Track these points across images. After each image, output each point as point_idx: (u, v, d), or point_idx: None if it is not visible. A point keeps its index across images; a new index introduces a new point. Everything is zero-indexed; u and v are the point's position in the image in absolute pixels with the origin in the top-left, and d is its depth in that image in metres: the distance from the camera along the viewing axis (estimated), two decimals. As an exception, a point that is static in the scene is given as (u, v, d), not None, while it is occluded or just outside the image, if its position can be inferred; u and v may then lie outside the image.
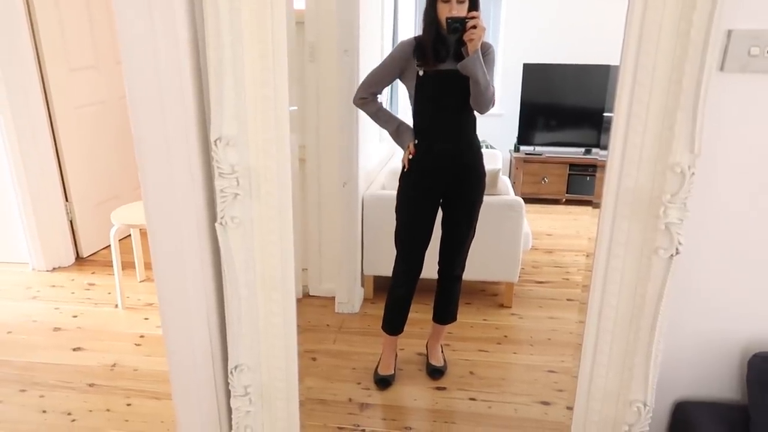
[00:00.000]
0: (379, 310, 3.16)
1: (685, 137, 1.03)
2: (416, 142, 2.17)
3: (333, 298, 3.14)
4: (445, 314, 2.49)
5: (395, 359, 2.51)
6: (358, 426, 2.18)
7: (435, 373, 2.52)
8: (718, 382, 1.46)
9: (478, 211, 2.30)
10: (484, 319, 3.04)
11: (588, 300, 1.16)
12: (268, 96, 1.06)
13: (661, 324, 1.10)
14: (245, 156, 1.07)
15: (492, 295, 3.32)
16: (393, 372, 2.47)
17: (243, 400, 1.17)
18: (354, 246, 3.02)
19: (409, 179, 2.23)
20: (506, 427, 2.20)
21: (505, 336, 2.88)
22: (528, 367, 2.62)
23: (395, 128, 2.24)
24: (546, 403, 2.35)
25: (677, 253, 1.12)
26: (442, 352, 2.61)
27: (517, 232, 3.00)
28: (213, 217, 1.12)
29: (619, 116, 1.06)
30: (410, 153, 2.18)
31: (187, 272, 1.11)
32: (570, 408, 2.28)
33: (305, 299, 3.23)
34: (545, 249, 4.05)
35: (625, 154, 1.06)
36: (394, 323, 2.44)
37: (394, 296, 2.41)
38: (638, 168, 1.06)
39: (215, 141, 1.05)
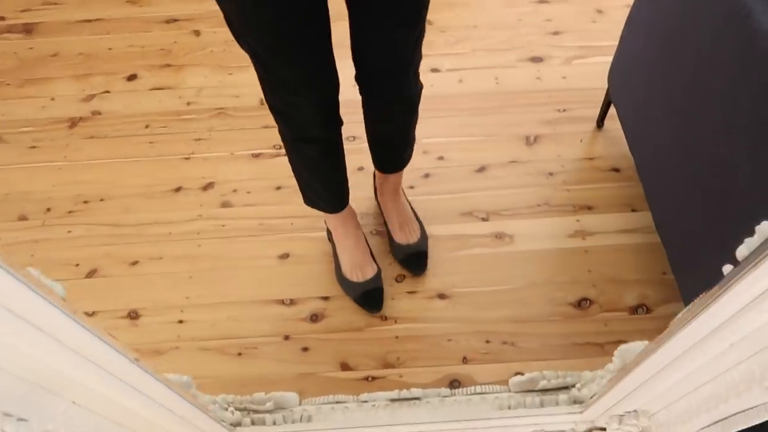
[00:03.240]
0: None
1: None
2: None
3: None
4: (395, 161, 1.27)
5: (367, 244, 1.34)
6: (276, 146, 1.54)
7: (413, 262, 1.35)
8: None
9: None
10: None
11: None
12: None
13: None
14: None
15: None
16: (376, 269, 1.31)
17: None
18: None
19: None
20: (477, 111, 1.59)
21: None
22: (510, -1, 1.83)
23: None
24: (537, 60, 1.68)
25: None
26: (411, 208, 1.40)
27: None
28: None
29: None
30: None
31: None
32: (577, 61, 1.50)
33: None
34: None
35: None
36: (327, 196, 1.24)
37: (301, 156, 1.12)
38: None
39: None
